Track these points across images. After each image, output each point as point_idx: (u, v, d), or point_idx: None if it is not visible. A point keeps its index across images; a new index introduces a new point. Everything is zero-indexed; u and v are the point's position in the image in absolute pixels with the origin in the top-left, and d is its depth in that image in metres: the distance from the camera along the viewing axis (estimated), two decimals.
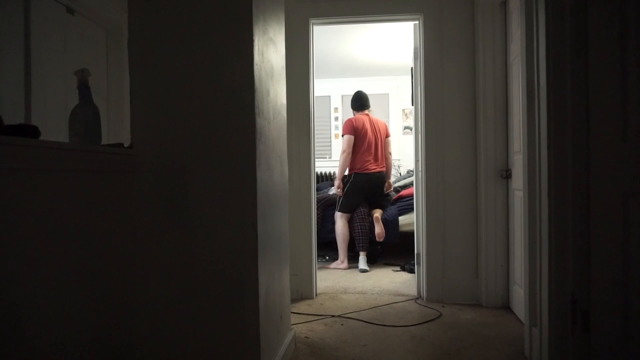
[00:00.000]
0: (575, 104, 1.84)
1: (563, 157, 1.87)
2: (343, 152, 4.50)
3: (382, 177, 4.60)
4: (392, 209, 4.64)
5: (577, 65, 1.84)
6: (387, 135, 4.67)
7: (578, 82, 1.84)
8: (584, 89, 1.83)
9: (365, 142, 4.50)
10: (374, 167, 4.51)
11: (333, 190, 5.32)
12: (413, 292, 3.46)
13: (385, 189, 4.65)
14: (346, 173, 4.57)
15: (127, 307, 1.68)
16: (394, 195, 4.99)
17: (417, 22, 3.32)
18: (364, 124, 4.53)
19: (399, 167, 7.05)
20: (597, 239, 1.80)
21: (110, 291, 1.58)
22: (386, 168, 4.64)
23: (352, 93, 4.79)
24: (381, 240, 4.43)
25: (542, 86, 1.98)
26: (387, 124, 4.81)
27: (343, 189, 4.49)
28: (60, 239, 1.34)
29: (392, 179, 5.98)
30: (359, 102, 4.69)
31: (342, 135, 4.57)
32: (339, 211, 4.47)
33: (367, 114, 4.63)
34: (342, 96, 7.38)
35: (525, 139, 2.24)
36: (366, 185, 4.48)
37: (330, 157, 7.43)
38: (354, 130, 4.50)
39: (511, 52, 2.92)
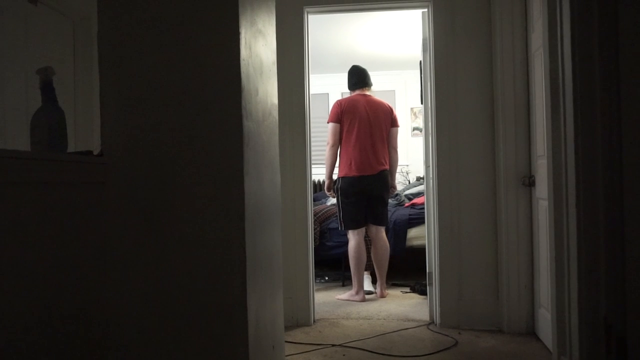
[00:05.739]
0: (606, 101, 1.85)
1: (592, 162, 1.88)
2: (327, 144, 4.05)
3: (382, 180, 4.01)
4: (401, 215, 4.50)
5: (606, 57, 1.85)
6: (394, 125, 4.13)
7: (608, 76, 1.85)
8: (615, 83, 1.83)
9: (356, 132, 3.94)
10: (370, 168, 3.95)
11: (332, 201, 5.31)
12: (425, 316, 3.46)
13: (389, 194, 4.18)
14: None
15: (94, 340, 1.67)
16: (406, 202, 4.96)
17: (425, 9, 3.35)
18: (355, 108, 3.99)
19: (407, 173, 7.05)
20: (633, 254, 1.80)
21: (74, 323, 1.57)
22: (390, 167, 4.08)
23: None
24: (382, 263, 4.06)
25: (568, 81, 1.99)
26: (394, 108, 4.23)
27: (337, 200, 4.10)
28: (17, 262, 1.33)
29: (400, 187, 5.99)
30: (354, 78, 4.19)
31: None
32: (345, 229, 4.06)
33: (364, 95, 4.11)
34: (342, 93, 7.40)
35: (549, 141, 2.25)
36: (360, 191, 3.96)
37: None
38: (341, 116, 3.98)
39: (533, 42, 2.94)
